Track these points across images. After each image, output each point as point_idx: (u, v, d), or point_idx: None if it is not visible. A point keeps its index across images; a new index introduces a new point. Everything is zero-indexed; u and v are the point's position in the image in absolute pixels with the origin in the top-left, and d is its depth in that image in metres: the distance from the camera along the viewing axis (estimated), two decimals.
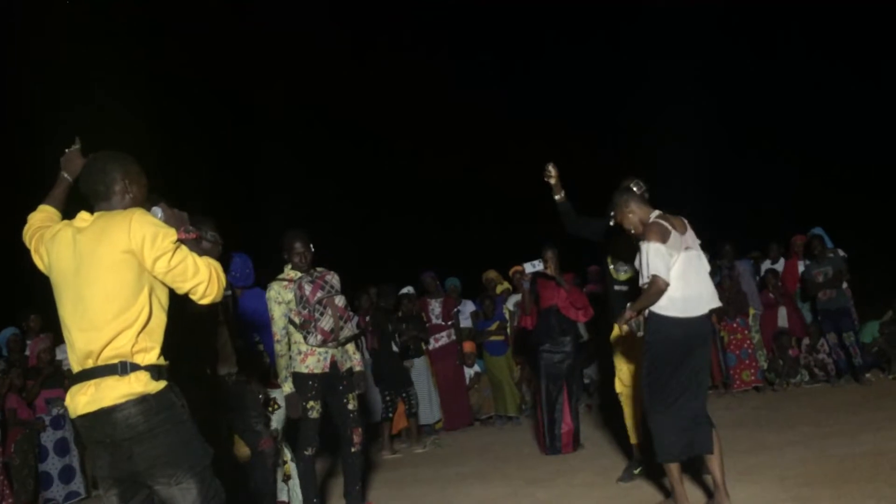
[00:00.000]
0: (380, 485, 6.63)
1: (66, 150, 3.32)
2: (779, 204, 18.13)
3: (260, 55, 19.38)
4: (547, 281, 7.03)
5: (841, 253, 9.14)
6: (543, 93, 22.13)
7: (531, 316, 7.31)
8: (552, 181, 5.72)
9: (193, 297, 2.97)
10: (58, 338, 7.27)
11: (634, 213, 4.56)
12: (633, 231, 4.57)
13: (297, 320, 5.15)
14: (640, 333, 4.56)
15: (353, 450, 5.32)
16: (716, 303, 4.58)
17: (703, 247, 4.67)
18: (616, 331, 5.53)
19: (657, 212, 4.56)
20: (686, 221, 4.60)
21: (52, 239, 2.98)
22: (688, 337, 4.43)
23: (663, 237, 4.37)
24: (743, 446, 6.02)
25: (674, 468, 4.45)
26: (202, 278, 2.95)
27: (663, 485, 5.21)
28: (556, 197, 5.78)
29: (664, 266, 4.34)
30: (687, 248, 4.45)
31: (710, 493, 4.64)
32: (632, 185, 4.69)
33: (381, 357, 8.52)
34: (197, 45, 17.37)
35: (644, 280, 4.44)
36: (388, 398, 8.35)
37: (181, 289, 2.94)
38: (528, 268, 6.91)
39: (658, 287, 4.34)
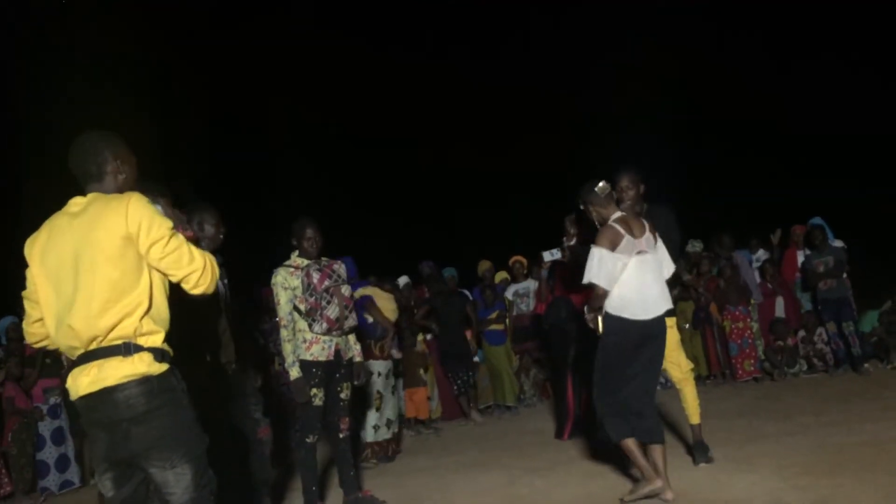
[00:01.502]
0: (377, 474, 6.63)
1: None
2: (774, 196, 18.13)
3: (259, 54, 19.40)
4: (564, 269, 7.11)
5: (840, 243, 9.14)
6: (530, 86, 22.08)
7: (546, 303, 7.38)
8: (569, 242, 5.63)
9: (186, 287, 2.97)
10: None
11: (598, 213, 4.75)
12: (597, 224, 4.78)
13: (302, 307, 5.17)
14: (600, 332, 4.72)
15: (340, 435, 5.40)
16: (668, 305, 4.77)
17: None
18: None
19: (619, 213, 4.71)
20: (647, 224, 4.75)
21: (49, 228, 2.95)
22: (642, 337, 4.63)
23: (613, 243, 4.55)
24: (741, 436, 6.03)
25: (631, 445, 4.60)
26: (196, 267, 2.95)
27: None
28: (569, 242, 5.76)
29: (605, 273, 4.55)
30: (640, 253, 4.59)
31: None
32: (597, 186, 4.75)
33: (443, 337, 8.85)
34: (200, 46, 17.39)
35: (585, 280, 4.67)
36: (462, 376, 8.70)
37: (175, 276, 2.94)
38: (547, 256, 7.00)
39: (597, 294, 4.61)
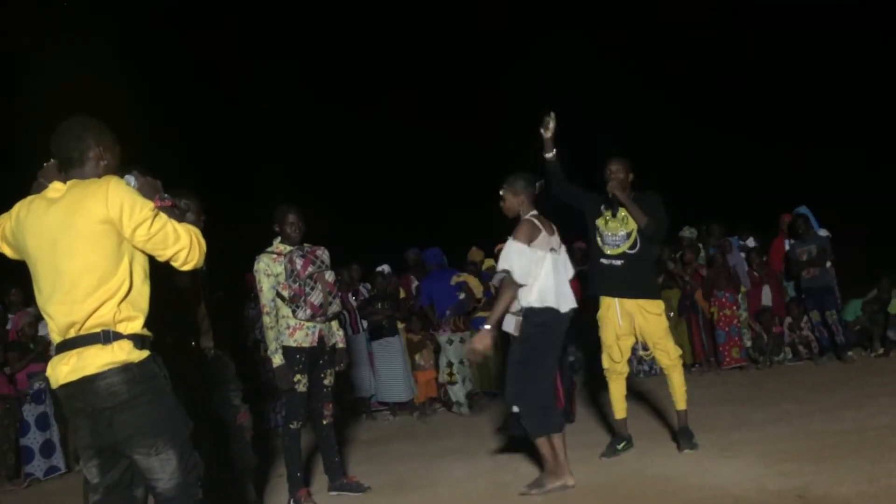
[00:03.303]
0: (363, 460, 6.63)
1: (45, 164, 3.21)
2: (766, 185, 18.13)
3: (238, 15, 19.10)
4: None
5: (825, 232, 9.16)
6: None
7: None
8: (547, 135, 5.48)
9: (175, 264, 2.96)
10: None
11: (522, 206, 4.87)
12: (505, 213, 4.93)
13: (285, 294, 5.13)
14: (517, 334, 4.81)
15: (324, 422, 5.40)
16: (574, 304, 4.92)
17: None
18: (603, 308, 5.54)
19: (535, 211, 4.88)
20: (554, 227, 4.94)
21: (27, 211, 2.92)
22: (558, 326, 4.80)
23: (530, 237, 4.71)
24: (726, 423, 6.06)
25: (546, 442, 4.74)
26: (183, 244, 2.93)
27: (646, 459, 5.25)
28: (547, 155, 5.54)
29: (519, 265, 4.68)
30: (552, 250, 4.79)
31: None
32: (537, 182, 4.91)
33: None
34: (180, 9, 17.13)
35: (499, 267, 4.83)
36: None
37: (162, 256, 2.92)
38: None
39: (510, 283, 4.72)
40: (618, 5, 20.79)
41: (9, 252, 3.05)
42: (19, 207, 2.96)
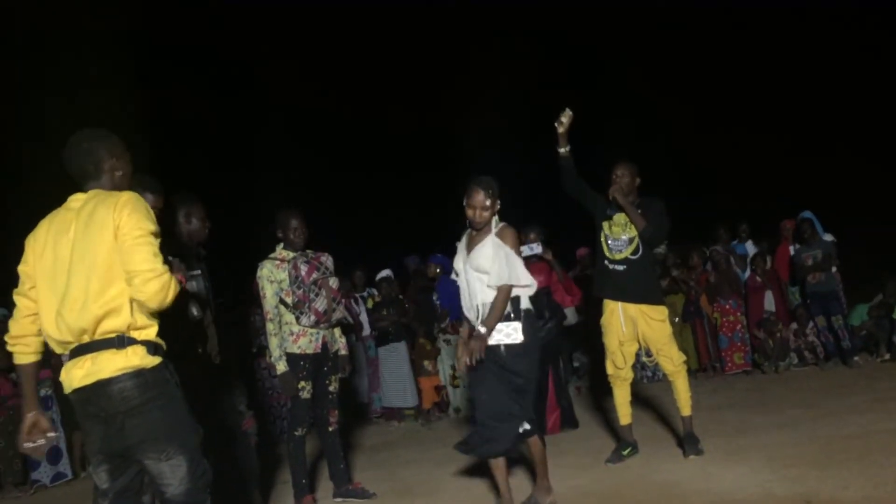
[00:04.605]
0: (367, 466, 6.64)
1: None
2: (772, 187, 18.12)
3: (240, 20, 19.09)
4: (538, 264, 7.04)
5: (830, 237, 9.16)
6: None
7: None
8: (561, 130, 5.35)
9: (130, 283, 2.82)
10: None
11: (495, 213, 4.46)
12: (476, 221, 4.43)
13: (289, 300, 5.13)
14: (524, 337, 4.40)
15: (329, 429, 5.39)
16: None
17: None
18: (606, 313, 5.53)
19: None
20: None
21: (49, 223, 2.98)
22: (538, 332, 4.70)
23: (518, 245, 4.42)
24: (731, 428, 6.05)
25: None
26: (151, 267, 2.82)
27: (651, 465, 5.24)
28: (561, 150, 5.40)
29: (522, 272, 4.35)
30: None
31: None
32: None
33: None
34: (180, 9, 17.14)
35: (499, 278, 4.30)
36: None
37: (125, 266, 2.82)
38: (526, 251, 6.94)
39: (506, 294, 4.32)
40: (619, 6, 20.78)
41: (40, 275, 2.96)
42: (42, 225, 3.00)
